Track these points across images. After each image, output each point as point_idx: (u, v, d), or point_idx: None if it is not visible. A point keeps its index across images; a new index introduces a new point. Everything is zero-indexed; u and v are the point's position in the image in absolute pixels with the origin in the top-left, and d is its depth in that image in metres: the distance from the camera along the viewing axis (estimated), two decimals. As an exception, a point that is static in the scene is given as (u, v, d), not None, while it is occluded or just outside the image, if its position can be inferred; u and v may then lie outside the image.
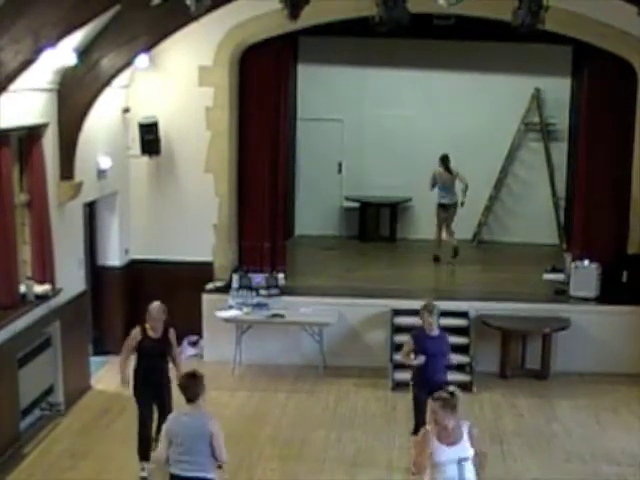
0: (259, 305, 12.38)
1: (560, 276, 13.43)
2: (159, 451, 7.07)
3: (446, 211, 15.16)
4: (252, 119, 13.18)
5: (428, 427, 6.86)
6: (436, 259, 15.02)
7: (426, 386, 8.85)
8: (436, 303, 9.73)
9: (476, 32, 13.44)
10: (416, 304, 11.56)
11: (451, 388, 6.99)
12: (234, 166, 13.25)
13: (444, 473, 6.71)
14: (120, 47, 10.70)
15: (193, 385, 6.94)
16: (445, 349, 9.51)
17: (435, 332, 9.47)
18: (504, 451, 9.90)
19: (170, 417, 7.18)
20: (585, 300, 12.61)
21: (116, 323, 12.53)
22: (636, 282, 12.62)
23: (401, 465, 9.46)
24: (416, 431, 8.70)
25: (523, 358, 12.44)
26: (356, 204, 17.04)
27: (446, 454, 6.70)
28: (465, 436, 6.77)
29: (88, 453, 9.60)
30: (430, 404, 6.83)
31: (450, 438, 6.71)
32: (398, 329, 12.14)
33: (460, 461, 6.72)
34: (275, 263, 13.40)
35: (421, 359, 9.31)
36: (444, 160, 14.97)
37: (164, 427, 7.08)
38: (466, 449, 6.76)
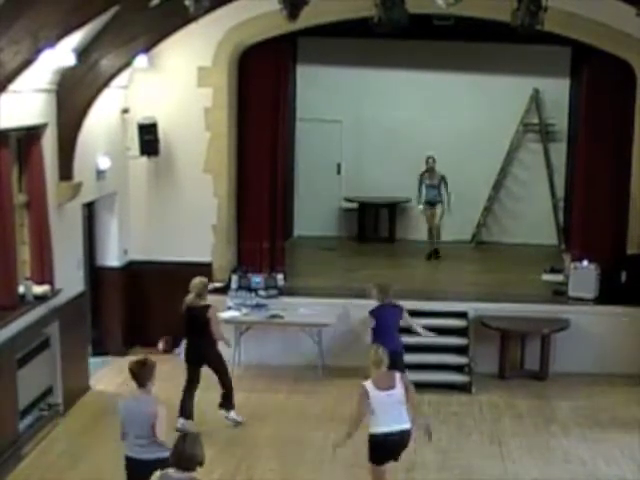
0: (258, 306, 12.38)
1: (559, 277, 13.44)
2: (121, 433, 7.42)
3: None
4: (251, 120, 13.17)
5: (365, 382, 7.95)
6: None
7: None
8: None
9: (475, 33, 13.44)
10: (416, 305, 11.63)
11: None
12: (233, 167, 13.25)
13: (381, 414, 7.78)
14: (119, 48, 10.70)
15: (142, 372, 7.33)
16: None
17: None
18: (503, 452, 9.91)
19: (121, 402, 7.49)
20: (584, 301, 12.60)
21: (115, 324, 12.55)
22: (635, 283, 12.61)
23: (401, 466, 9.45)
24: None
25: (522, 359, 12.44)
26: (355, 205, 17.05)
27: (381, 398, 7.78)
28: (398, 383, 7.84)
29: (87, 454, 9.59)
30: None
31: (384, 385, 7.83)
32: (397, 330, 12.15)
33: (394, 403, 7.79)
34: (274, 264, 13.40)
35: None
36: None
37: (119, 411, 7.42)
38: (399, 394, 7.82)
